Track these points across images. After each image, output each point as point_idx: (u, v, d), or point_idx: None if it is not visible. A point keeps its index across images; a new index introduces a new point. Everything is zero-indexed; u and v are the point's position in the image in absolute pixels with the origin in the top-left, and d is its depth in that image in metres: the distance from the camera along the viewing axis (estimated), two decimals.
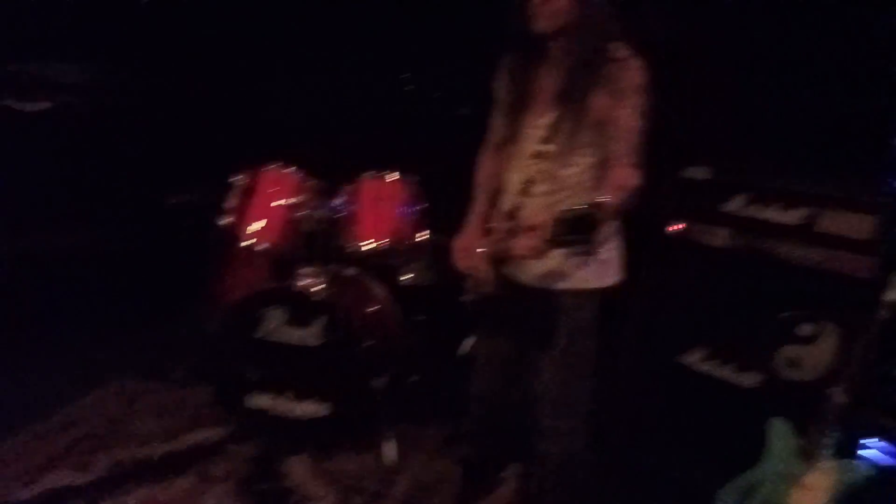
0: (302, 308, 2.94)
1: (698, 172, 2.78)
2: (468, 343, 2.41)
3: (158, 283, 3.91)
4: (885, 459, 2.21)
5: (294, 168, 3.18)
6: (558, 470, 2.29)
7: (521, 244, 1.98)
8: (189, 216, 3.97)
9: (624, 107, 2.05)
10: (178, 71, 4.23)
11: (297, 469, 2.87)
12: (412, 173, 3.24)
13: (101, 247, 4.08)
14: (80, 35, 4.02)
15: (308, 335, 2.93)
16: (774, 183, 2.59)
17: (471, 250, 2.24)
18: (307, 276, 3.03)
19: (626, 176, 2.01)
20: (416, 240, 3.18)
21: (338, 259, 3.19)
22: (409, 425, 3.12)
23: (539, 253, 1.91)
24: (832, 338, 2.34)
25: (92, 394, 3.35)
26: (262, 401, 3.00)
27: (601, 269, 2.17)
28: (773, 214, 2.55)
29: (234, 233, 3.14)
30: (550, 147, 2.12)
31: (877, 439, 2.18)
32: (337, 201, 3.17)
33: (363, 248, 3.10)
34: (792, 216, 2.51)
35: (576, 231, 1.73)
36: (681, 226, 2.80)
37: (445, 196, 2.63)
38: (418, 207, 3.21)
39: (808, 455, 2.10)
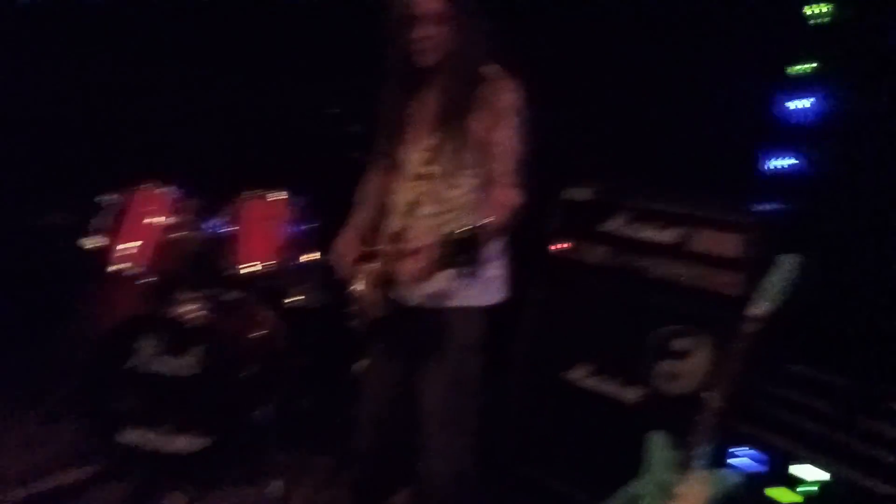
0: (178, 336, 2.80)
1: (580, 193, 2.85)
2: (359, 366, 2.37)
3: (26, 308, 3.67)
4: (754, 467, 2.32)
5: (171, 186, 3.04)
6: (447, 488, 2.28)
7: (408, 267, 1.99)
8: (59, 238, 3.72)
9: (502, 128, 2.11)
10: (47, 85, 3.97)
11: None
12: (300, 192, 3.16)
13: None
14: None
15: (184, 365, 2.79)
16: (651, 203, 2.69)
17: (345, 256, 2.24)
18: (185, 301, 2.89)
19: (508, 196, 2.06)
20: (304, 261, 3.10)
21: (219, 283, 3.06)
22: (298, 453, 3.02)
23: (426, 275, 1.92)
24: (705, 352, 2.43)
25: None
26: (135, 435, 2.82)
27: (487, 288, 2.20)
28: (650, 234, 2.65)
29: (106, 256, 2.97)
30: (434, 169, 2.15)
31: (747, 448, 2.28)
32: (218, 221, 3.06)
33: (247, 271, 2.99)
34: (667, 235, 2.61)
35: (460, 252, 1.75)
36: (565, 245, 2.86)
37: (336, 215, 2.57)
38: (306, 227, 3.13)
39: (684, 467, 2.17)
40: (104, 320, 3.09)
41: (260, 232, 3.04)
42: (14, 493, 2.73)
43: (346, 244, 2.27)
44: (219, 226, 3.05)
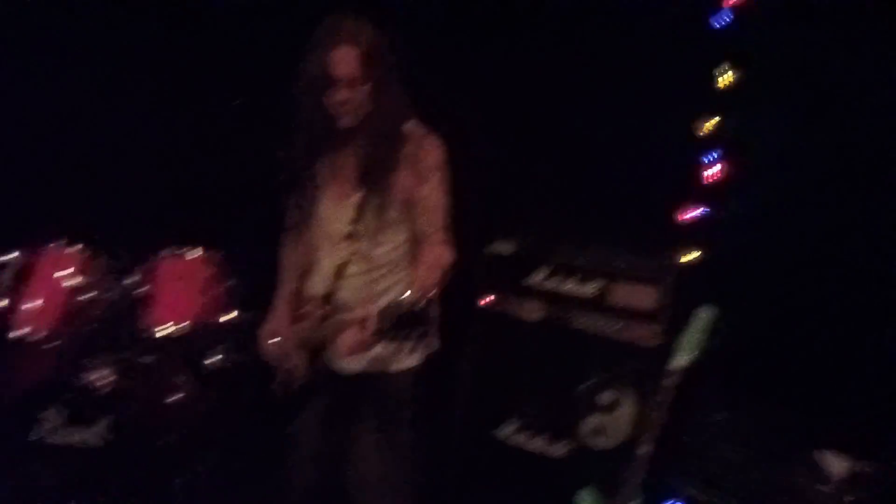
0: (87, 403, 2.64)
1: (504, 247, 2.88)
2: (287, 431, 2.28)
3: None
4: None
5: (79, 244, 2.90)
6: None
7: (348, 339, 1.93)
8: None
9: (429, 185, 2.11)
10: None
11: None
12: (216, 249, 3.06)
13: None
14: None
15: (92, 435, 2.63)
16: (572, 257, 2.74)
17: (279, 335, 2.17)
18: (94, 366, 2.74)
19: (440, 254, 2.05)
20: (223, 320, 2.99)
21: (133, 345, 2.91)
22: None
23: (368, 347, 1.89)
24: (630, 405, 2.46)
25: None
26: None
27: (419, 348, 2.14)
28: (572, 287, 2.69)
29: (7, 319, 2.80)
30: (360, 228, 2.13)
31: (674, 501, 2.30)
32: (131, 281, 2.92)
33: (162, 332, 2.87)
34: (588, 289, 2.65)
35: (405, 322, 1.74)
36: (491, 299, 2.87)
37: (254, 271, 2.50)
38: (224, 285, 3.03)
39: None
40: (6, 389, 2.88)
41: (176, 291, 2.94)
42: None
43: (278, 322, 2.20)
44: (131, 285, 2.91)
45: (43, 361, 2.96)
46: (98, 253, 2.93)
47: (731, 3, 2.75)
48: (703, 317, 2.13)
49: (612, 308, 2.58)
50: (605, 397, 2.51)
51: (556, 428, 2.62)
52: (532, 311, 2.77)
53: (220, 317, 2.98)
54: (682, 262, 2.65)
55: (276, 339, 2.17)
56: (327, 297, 2.14)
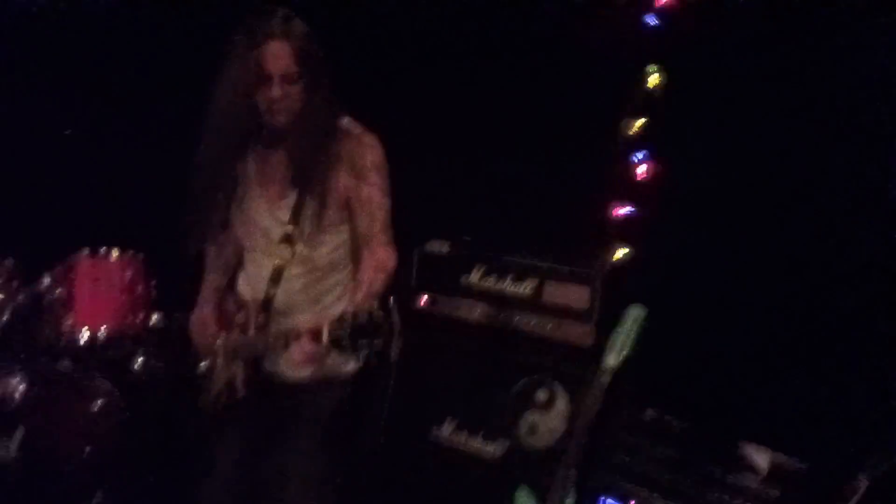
0: None
1: (437, 246, 2.86)
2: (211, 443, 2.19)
3: None
4: None
5: None
6: None
7: (298, 353, 1.88)
8: None
9: (369, 185, 2.07)
10: None
11: None
12: (138, 249, 2.92)
13: None
14: None
15: (2, 448, 2.47)
16: (505, 256, 2.74)
17: (208, 326, 2.13)
18: (2, 376, 2.57)
19: (385, 256, 2.03)
20: (146, 325, 2.86)
21: (46, 353, 2.75)
22: None
23: (320, 360, 1.87)
24: (564, 404, 2.49)
25: None
26: None
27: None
28: (507, 286, 2.69)
29: None
30: (296, 230, 2.06)
31: (607, 498, 2.34)
32: (44, 284, 2.76)
33: (79, 339, 2.72)
34: (522, 287, 2.66)
35: (359, 335, 1.70)
36: (426, 299, 2.84)
37: (179, 273, 2.40)
38: (146, 287, 2.89)
39: None
40: None
41: (92, 294, 2.78)
42: None
43: (205, 318, 2.15)
44: (44, 289, 2.75)
45: None
46: (4, 255, 2.74)
47: (660, 3, 2.80)
48: (634, 316, 2.18)
49: (545, 307, 2.59)
50: (539, 396, 2.53)
51: (490, 428, 2.62)
52: (465, 310, 2.76)
53: (141, 321, 2.85)
54: (612, 262, 2.69)
55: (206, 329, 2.11)
56: (265, 303, 2.08)
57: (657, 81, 2.79)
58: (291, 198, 2.08)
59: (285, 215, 2.08)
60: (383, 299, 1.92)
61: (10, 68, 3.47)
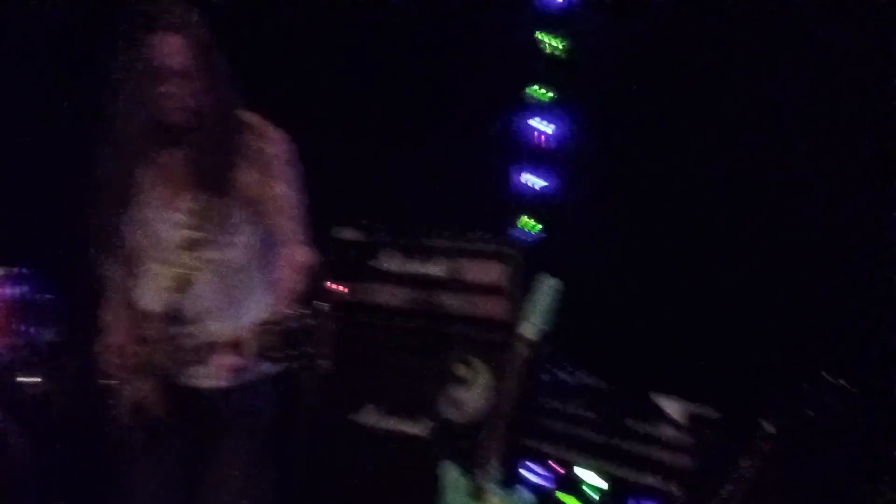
0: None
1: (348, 233, 2.83)
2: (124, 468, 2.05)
3: None
4: (542, 480, 2.45)
5: None
6: None
7: (220, 365, 1.78)
8: None
9: (279, 182, 1.97)
10: None
11: None
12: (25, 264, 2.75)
13: None
14: None
15: None
16: (418, 239, 2.75)
17: (126, 351, 1.95)
18: None
19: (301, 255, 1.94)
20: (35, 337, 2.68)
21: None
22: None
23: (243, 372, 1.78)
24: (485, 377, 2.53)
25: None
26: None
27: None
28: (422, 268, 2.70)
29: None
30: (201, 234, 1.93)
31: (532, 464, 2.40)
32: None
33: None
34: (439, 268, 2.68)
35: (290, 343, 1.62)
36: (342, 287, 2.82)
37: (70, 288, 2.25)
38: (33, 299, 2.72)
39: (479, 492, 2.23)
40: None
41: None
42: None
43: (122, 345, 1.96)
44: None
45: None
46: None
47: None
48: (548, 287, 2.23)
49: (462, 285, 2.62)
50: (461, 371, 2.56)
51: (415, 407, 2.64)
52: (383, 293, 2.76)
53: (32, 339, 2.67)
54: (526, 238, 2.75)
55: (125, 357, 1.94)
56: (172, 314, 1.93)
57: (559, 49, 2.80)
58: (190, 200, 1.94)
59: (185, 219, 1.94)
60: (309, 300, 1.86)
61: None
